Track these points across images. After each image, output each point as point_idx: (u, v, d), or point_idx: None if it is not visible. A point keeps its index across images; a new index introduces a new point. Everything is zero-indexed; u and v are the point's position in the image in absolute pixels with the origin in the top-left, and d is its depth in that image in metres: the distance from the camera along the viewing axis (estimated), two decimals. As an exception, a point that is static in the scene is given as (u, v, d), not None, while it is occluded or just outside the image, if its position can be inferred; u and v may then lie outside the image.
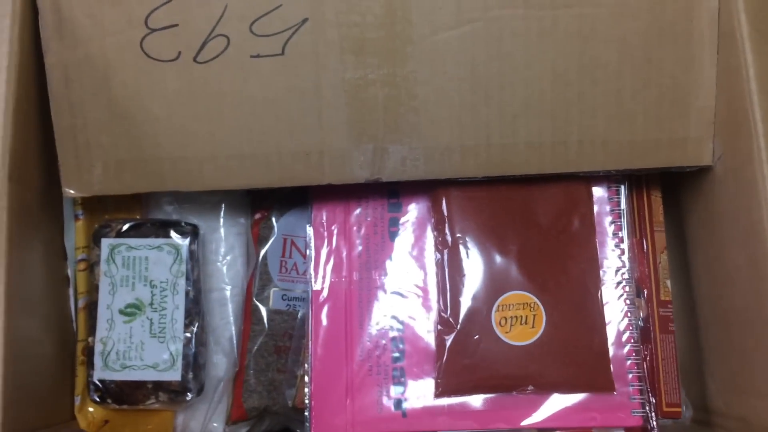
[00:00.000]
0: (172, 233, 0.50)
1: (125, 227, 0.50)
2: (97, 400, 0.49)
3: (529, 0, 0.45)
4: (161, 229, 0.50)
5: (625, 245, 0.50)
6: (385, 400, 0.48)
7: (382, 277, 0.50)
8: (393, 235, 0.51)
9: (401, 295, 0.50)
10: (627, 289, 0.49)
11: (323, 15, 0.45)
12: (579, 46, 0.46)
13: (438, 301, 0.49)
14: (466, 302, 0.48)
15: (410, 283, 0.50)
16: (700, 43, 0.45)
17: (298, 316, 0.52)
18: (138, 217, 0.53)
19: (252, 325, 0.52)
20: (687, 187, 0.52)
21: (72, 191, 0.47)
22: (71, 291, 0.51)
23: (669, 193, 0.53)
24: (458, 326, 0.48)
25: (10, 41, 0.43)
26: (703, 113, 0.46)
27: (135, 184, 0.47)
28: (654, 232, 0.52)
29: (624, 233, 0.50)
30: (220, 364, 0.52)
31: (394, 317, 0.49)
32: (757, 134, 0.41)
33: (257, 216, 0.54)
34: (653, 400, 0.49)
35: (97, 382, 0.49)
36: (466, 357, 0.48)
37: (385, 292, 0.50)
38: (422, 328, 0.49)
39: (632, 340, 0.48)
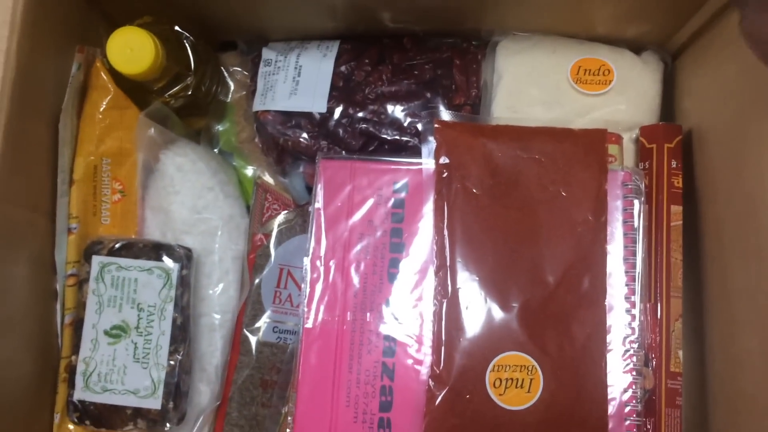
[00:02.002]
0: (164, 257, 0.48)
1: (117, 245, 0.49)
2: (76, 420, 0.48)
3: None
4: (153, 251, 0.49)
5: (636, 310, 0.47)
6: (367, 450, 0.46)
7: (377, 321, 0.48)
8: (392, 277, 0.49)
9: (395, 341, 0.47)
10: (634, 359, 0.46)
11: None
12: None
13: (432, 353, 0.47)
14: (460, 358, 0.46)
15: (406, 330, 0.48)
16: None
17: (288, 350, 0.51)
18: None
19: (240, 356, 0.51)
20: (708, 255, 0.48)
21: None
22: (58, 306, 0.49)
23: (691, 257, 0.49)
24: (450, 383, 0.46)
25: (7, 52, 0.41)
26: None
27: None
28: (670, 298, 0.48)
29: (637, 298, 0.47)
30: (203, 393, 0.50)
31: (385, 364, 0.47)
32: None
33: (255, 242, 0.52)
34: (651, 479, 0.46)
35: (77, 402, 0.48)
36: (455, 416, 0.45)
37: (378, 336, 0.48)
38: (413, 381, 0.47)
39: (634, 415, 0.45)
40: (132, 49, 0.47)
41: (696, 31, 0.50)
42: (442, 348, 0.46)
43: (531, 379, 0.45)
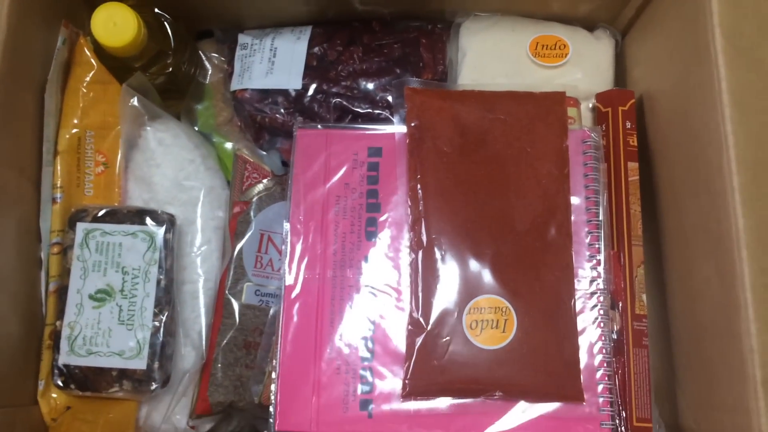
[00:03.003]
0: (148, 221, 0.50)
1: (101, 213, 0.50)
2: (60, 385, 0.48)
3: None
4: (137, 216, 0.50)
5: (601, 256, 0.50)
6: (351, 399, 0.47)
7: (357, 276, 0.50)
8: (370, 235, 0.51)
9: (374, 294, 0.49)
10: (601, 299, 0.49)
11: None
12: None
13: (410, 302, 0.48)
14: (437, 304, 0.48)
15: (384, 282, 0.50)
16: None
17: (270, 312, 0.52)
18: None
19: (223, 319, 0.52)
20: (663, 201, 0.52)
21: None
22: (43, 274, 0.50)
23: (648, 208, 0.53)
24: (428, 327, 0.47)
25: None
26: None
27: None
28: (632, 246, 0.51)
29: (601, 244, 0.50)
30: (187, 356, 0.51)
31: (365, 316, 0.49)
32: (727, 146, 0.41)
33: (235, 210, 0.54)
34: (623, 414, 0.48)
35: (62, 367, 0.48)
36: (435, 358, 0.47)
37: (358, 290, 0.50)
38: (393, 329, 0.48)
39: (604, 351, 0.48)
40: (115, 23, 0.49)
41: (641, 4, 0.55)
42: (420, 295, 0.48)
43: (505, 320, 0.47)
